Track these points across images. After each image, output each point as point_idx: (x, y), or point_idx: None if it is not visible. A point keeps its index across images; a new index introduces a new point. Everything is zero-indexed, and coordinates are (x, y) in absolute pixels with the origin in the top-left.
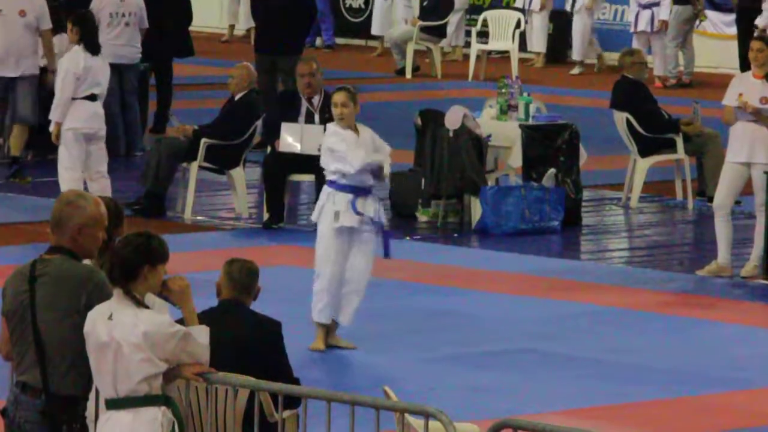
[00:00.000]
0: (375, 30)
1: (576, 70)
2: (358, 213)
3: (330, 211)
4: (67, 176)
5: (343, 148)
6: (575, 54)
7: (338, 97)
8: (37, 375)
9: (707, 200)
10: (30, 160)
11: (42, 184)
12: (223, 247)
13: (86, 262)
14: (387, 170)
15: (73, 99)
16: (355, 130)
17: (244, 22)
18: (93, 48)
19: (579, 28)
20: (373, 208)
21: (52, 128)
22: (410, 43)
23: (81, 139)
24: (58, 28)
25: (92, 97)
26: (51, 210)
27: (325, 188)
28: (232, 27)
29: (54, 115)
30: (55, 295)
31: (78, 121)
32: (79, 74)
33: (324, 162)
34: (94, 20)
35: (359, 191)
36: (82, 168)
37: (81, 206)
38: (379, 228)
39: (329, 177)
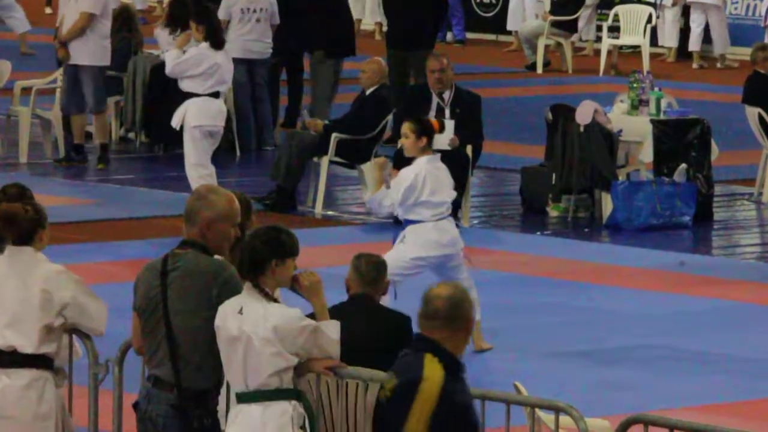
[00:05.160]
0: (510, 26)
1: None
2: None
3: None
4: (195, 174)
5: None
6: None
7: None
8: (169, 369)
9: None
10: (162, 155)
11: (174, 179)
12: (354, 241)
13: (218, 257)
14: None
15: (200, 95)
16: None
17: (371, 17)
18: (217, 44)
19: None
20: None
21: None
22: (541, 38)
23: (207, 136)
24: (184, 24)
25: (217, 95)
26: (183, 204)
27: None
28: (358, 21)
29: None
30: (187, 290)
31: (205, 119)
32: (203, 70)
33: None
34: (215, 15)
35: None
36: (208, 164)
37: (211, 201)
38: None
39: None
